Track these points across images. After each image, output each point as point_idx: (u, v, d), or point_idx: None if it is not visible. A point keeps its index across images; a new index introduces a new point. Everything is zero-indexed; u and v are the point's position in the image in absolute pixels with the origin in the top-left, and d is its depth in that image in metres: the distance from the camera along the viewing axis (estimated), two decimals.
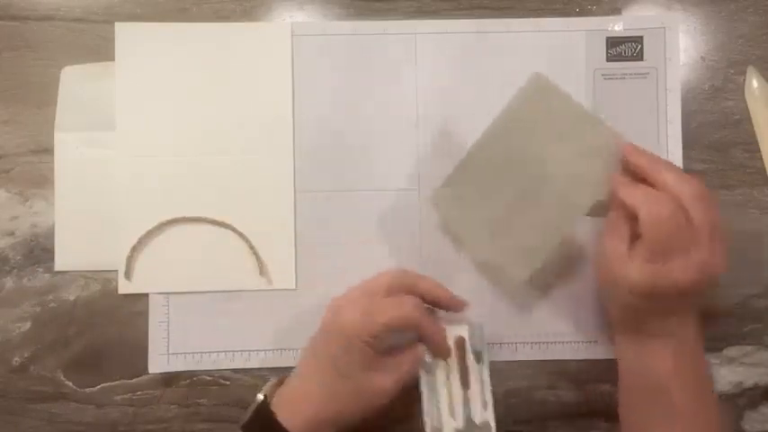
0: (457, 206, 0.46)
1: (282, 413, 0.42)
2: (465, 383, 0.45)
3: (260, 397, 0.44)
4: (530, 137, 0.43)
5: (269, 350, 0.50)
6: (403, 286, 0.44)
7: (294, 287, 0.50)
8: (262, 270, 0.50)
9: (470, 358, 0.46)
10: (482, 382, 0.46)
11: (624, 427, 0.45)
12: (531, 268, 0.45)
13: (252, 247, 0.50)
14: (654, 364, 0.42)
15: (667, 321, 0.42)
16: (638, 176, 0.42)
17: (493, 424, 0.45)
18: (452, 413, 0.45)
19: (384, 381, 0.44)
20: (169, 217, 0.50)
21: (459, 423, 0.45)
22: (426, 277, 0.46)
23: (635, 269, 0.40)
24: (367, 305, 0.43)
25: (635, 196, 0.40)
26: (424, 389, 0.45)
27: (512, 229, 0.45)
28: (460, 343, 0.46)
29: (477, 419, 0.45)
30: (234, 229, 0.50)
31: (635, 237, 0.41)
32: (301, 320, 0.50)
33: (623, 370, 0.45)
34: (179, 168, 0.50)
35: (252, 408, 0.43)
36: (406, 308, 0.43)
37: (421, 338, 0.45)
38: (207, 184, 0.50)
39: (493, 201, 0.45)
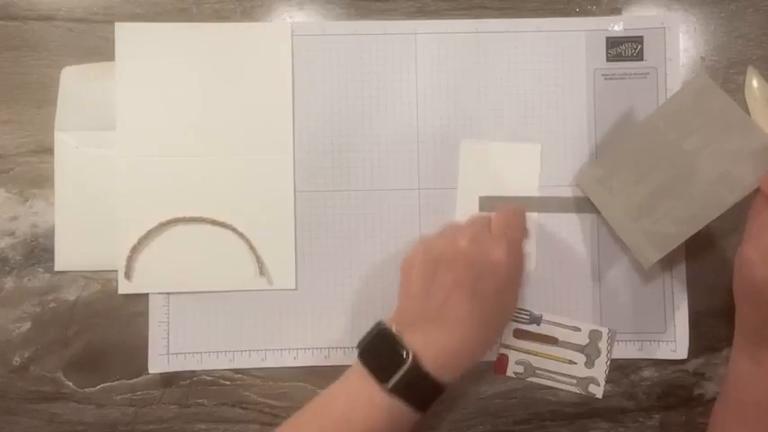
0: (601, 186, 0.49)
1: (437, 370, 0.41)
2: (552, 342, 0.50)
3: (406, 357, 0.41)
4: (686, 131, 0.46)
5: (269, 350, 0.50)
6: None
7: (294, 287, 0.50)
8: (262, 270, 0.50)
9: (535, 328, 0.50)
10: (556, 324, 0.50)
11: None
12: (662, 253, 0.47)
13: (252, 248, 0.50)
14: None
15: None
16: None
17: (594, 328, 0.50)
18: (576, 362, 0.50)
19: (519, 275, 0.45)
20: (169, 217, 0.50)
21: (584, 359, 0.50)
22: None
23: None
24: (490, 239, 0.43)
25: None
26: None
27: (653, 215, 0.47)
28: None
29: (585, 343, 0.50)
30: (234, 230, 0.50)
31: None
32: (301, 320, 0.50)
33: (735, 382, 0.44)
34: (179, 168, 0.50)
35: (403, 368, 0.40)
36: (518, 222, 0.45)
37: None
38: (207, 184, 0.50)
39: (639, 186, 0.47)
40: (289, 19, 0.51)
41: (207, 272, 0.50)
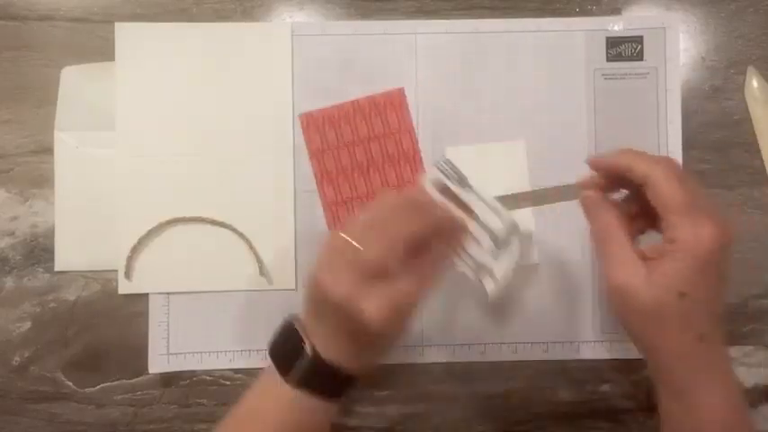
0: None
1: (341, 359, 0.39)
2: (469, 213, 0.42)
3: (306, 348, 0.39)
4: None
5: None
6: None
7: (294, 287, 0.50)
8: (262, 270, 0.50)
9: (458, 190, 0.42)
10: (480, 199, 0.42)
11: None
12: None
13: (252, 248, 0.50)
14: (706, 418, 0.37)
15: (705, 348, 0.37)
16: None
17: (514, 220, 0.42)
18: (482, 245, 0.42)
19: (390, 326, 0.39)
20: (169, 217, 0.50)
21: (492, 246, 0.42)
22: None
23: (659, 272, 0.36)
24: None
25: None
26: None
27: None
28: (441, 185, 0.43)
29: (500, 231, 0.42)
30: (234, 230, 0.50)
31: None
32: None
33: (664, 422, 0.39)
34: (179, 168, 0.50)
35: (303, 360, 0.39)
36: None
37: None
38: (207, 184, 0.50)
39: None
40: (289, 19, 0.51)
41: (207, 272, 0.50)
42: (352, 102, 0.51)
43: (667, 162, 0.37)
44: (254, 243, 0.50)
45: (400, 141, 0.51)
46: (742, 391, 0.39)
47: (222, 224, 0.50)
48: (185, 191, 0.50)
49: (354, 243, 0.38)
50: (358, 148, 0.51)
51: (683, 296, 0.35)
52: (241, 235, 0.50)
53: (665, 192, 0.36)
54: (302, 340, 0.39)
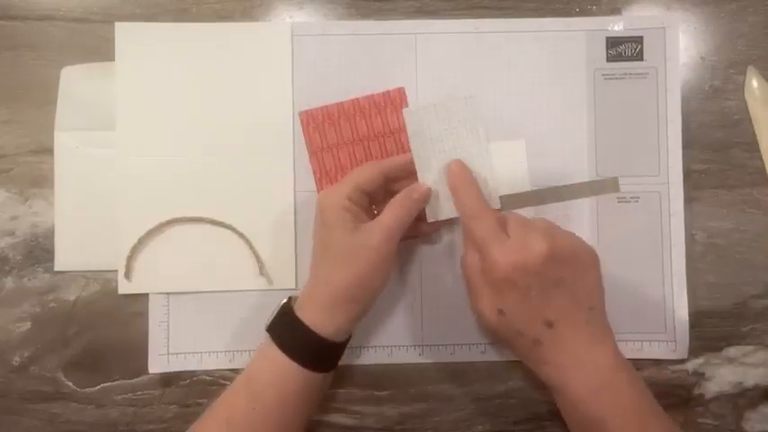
0: None
1: (303, 312, 0.43)
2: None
3: (283, 300, 0.45)
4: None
5: None
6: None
7: (294, 287, 0.50)
8: (262, 270, 0.50)
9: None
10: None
11: None
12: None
13: (252, 248, 0.50)
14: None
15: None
16: None
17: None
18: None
19: (372, 235, 0.43)
20: (169, 217, 0.50)
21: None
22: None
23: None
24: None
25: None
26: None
27: None
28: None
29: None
30: (234, 230, 0.50)
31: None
32: None
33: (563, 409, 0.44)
34: (179, 168, 0.50)
35: (275, 310, 0.45)
36: (366, 166, 0.46)
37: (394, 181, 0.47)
38: (207, 184, 0.50)
39: None
40: (289, 19, 0.51)
41: (207, 272, 0.50)
42: (353, 101, 0.51)
43: (470, 193, 0.45)
44: (254, 243, 0.50)
45: (400, 141, 0.51)
46: (613, 374, 0.42)
47: (222, 224, 0.50)
48: (185, 191, 0.50)
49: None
50: (357, 147, 0.51)
51: (502, 312, 0.42)
52: (241, 235, 0.50)
53: (471, 233, 0.44)
54: (293, 311, 0.43)
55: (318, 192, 0.51)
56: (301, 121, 0.51)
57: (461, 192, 0.45)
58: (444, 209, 0.47)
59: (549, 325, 0.42)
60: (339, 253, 0.43)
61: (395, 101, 0.51)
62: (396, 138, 0.51)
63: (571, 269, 0.42)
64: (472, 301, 0.45)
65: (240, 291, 0.50)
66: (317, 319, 0.43)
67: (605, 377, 0.42)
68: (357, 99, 0.51)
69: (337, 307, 0.43)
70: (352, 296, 0.43)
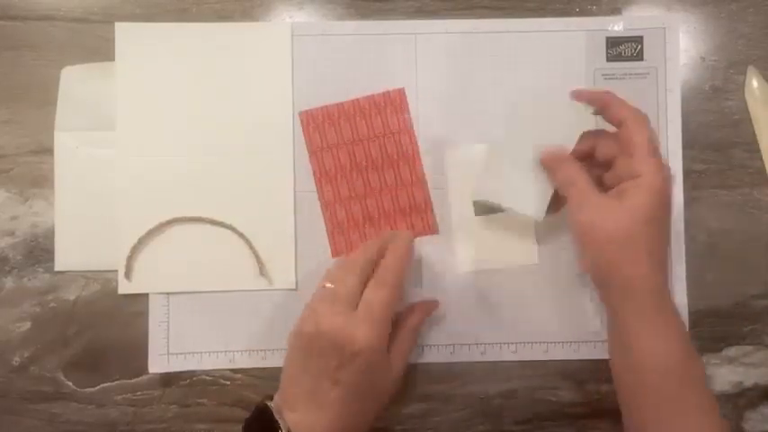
0: None
1: None
2: None
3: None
4: None
5: (269, 350, 0.50)
6: (367, 270, 0.44)
7: (294, 287, 0.50)
8: (262, 270, 0.50)
9: None
10: None
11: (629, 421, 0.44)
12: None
13: (252, 248, 0.50)
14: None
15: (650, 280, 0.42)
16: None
17: None
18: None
19: (397, 369, 0.45)
20: (169, 217, 0.50)
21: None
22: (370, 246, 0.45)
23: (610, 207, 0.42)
24: (355, 316, 0.42)
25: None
26: None
27: None
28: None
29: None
30: (234, 230, 0.50)
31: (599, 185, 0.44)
32: None
33: (618, 353, 0.44)
34: (179, 168, 0.50)
35: None
36: (394, 292, 0.43)
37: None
38: (207, 184, 0.50)
39: None
40: (289, 19, 0.51)
41: (207, 272, 0.50)
42: (353, 101, 0.51)
43: (639, 111, 0.44)
44: (254, 243, 0.50)
45: (399, 142, 0.51)
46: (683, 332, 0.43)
47: (222, 224, 0.50)
48: (185, 191, 0.50)
49: (328, 284, 0.43)
50: (357, 148, 0.51)
51: (648, 223, 0.41)
52: (241, 235, 0.50)
53: (638, 134, 0.42)
54: (277, 427, 0.41)
55: (319, 192, 0.51)
56: (301, 120, 0.51)
57: (554, 162, 0.45)
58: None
59: (665, 262, 0.43)
60: (375, 394, 0.44)
61: (395, 101, 0.51)
62: (395, 138, 0.51)
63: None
64: (590, 210, 0.43)
65: (240, 291, 0.50)
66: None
67: (686, 349, 0.42)
68: (357, 99, 0.51)
69: None
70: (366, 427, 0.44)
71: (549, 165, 0.45)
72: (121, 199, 0.50)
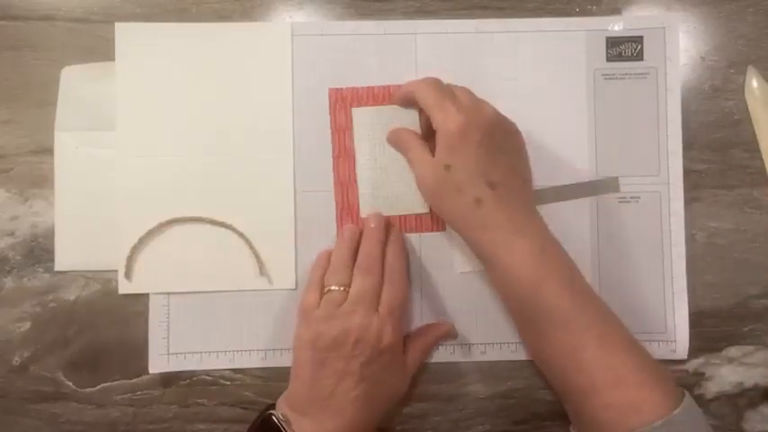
0: None
1: None
2: None
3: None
4: None
5: (269, 350, 0.50)
6: (349, 264, 0.46)
7: (294, 287, 0.50)
8: (262, 270, 0.50)
9: None
10: None
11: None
12: None
13: (252, 247, 0.50)
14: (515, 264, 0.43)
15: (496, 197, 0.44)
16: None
17: None
18: None
19: (411, 368, 0.48)
20: (169, 217, 0.50)
21: None
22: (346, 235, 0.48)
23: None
24: (369, 311, 0.44)
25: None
26: None
27: None
28: None
29: None
30: (234, 229, 0.50)
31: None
32: None
33: (498, 289, 0.47)
34: (179, 168, 0.50)
35: None
36: (402, 288, 0.46)
37: None
38: (207, 184, 0.50)
39: None
40: (289, 19, 0.51)
41: (207, 272, 0.50)
42: (383, 87, 0.51)
43: (427, 79, 0.47)
44: (254, 243, 0.50)
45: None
46: (545, 236, 0.45)
47: (222, 224, 0.50)
48: (185, 191, 0.50)
49: (334, 287, 0.45)
50: None
51: (448, 167, 0.43)
52: (241, 235, 0.50)
53: (423, 97, 0.45)
54: None
55: (334, 170, 0.51)
56: (330, 97, 0.51)
57: (395, 135, 0.49)
58: (380, 203, 0.50)
59: (492, 186, 0.43)
60: (390, 392, 0.46)
61: None
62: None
63: (513, 139, 0.47)
64: (418, 169, 0.46)
65: (240, 291, 0.50)
66: None
67: (546, 240, 0.44)
68: (388, 86, 0.51)
69: None
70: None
71: (392, 141, 0.50)
72: (121, 199, 0.50)
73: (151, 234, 0.50)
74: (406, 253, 0.49)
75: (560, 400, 0.46)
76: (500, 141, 0.44)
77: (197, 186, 0.50)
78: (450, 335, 0.50)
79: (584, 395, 0.41)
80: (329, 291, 0.45)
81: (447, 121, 0.43)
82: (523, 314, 0.45)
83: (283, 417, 0.43)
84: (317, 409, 0.43)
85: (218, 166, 0.50)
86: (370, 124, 0.50)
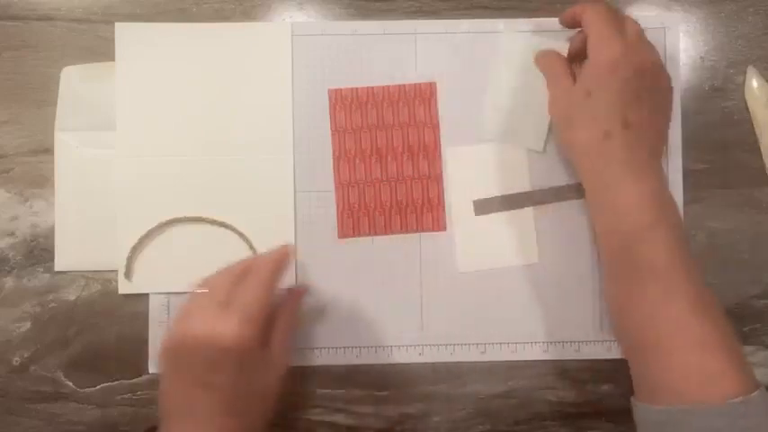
0: None
1: None
2: None
3: None
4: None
5: None
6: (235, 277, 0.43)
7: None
8: None
9: None
10: None
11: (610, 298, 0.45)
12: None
13: (252, 247, 0.50)
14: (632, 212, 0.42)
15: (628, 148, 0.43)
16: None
17: None
18: None
19: (278, 366, 0.44)
20: (169, 217, 0.50)
21: None
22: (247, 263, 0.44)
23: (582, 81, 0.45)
24: (225, 314, 0.40)
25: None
26: None
27: None
28: None
29: None
30: (234, 229, 0.50)
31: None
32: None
33: (599, 234, 0.45)
34: (179, 168, 0.50)
35: None
36: (257, 291, 0.42)
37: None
38: (207, 184, 0.50)
39: None
40: (289, 19, 0.51)
41: (207, 272, 0.50)
42: (383, 87, 0.51)
43: (600, 4, 0.45)
44: (254, 243, 0.50)
45: (423, 135, 0.51)
46: (664, 187, 0.44)
47: (222, 224, 0.50)
48: (185, 191, 0.50)
49: (199, 290, 0.42)
50: (380, 134, 0.51)
51: (589, 94, 0.44)
52: (241, 234, 0.50)
53: (591, 21, 0.44)
54: None
55: (335, 172, 0.51)
56: (329, 97, 0.51)
57: (544, 55, 0.50)
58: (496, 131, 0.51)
59: (626, 125, 0.43)
60: (257, 395, 0.43)
61: (424, 94, 0.51)
62: (419, 130, 0.51)
63: (662, 91, 0.46)
64: (555, 89, 0.47)
65: None
66: None
67: (664, 189, 0.44)
68: (388, 87, 0.51)
69: None
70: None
71: (539, 62, 0.50)
72: (121, 199, 0.50)
73: (151, 234, 0.50)
74: (281, 258, 0.44)
75: (627, 360, 0.44)
76: (649, 86, 0.44)
77: (197, 186, 0.50)
78: (298, 298, 0.48)
79: (660, 352, 0.40)
80: (193, 293, 0.43)
81: (603, 49, 0.43)
82: (621, 259, 0.43)
83: None
84: (179, 423, 0.41)
85: (218, 166, 0.50)
86: (518, 51, 0.51)
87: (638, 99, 0.43)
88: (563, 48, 0.50)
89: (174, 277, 0.50)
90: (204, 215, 0.50)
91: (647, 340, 0.41)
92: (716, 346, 0.39)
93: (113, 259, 0.50)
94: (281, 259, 0.44)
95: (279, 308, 0.46)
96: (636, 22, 0.45)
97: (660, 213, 0.42)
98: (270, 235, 0.50)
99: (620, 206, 0.42)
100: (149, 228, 0.50)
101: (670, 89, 0.47)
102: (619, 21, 0.45)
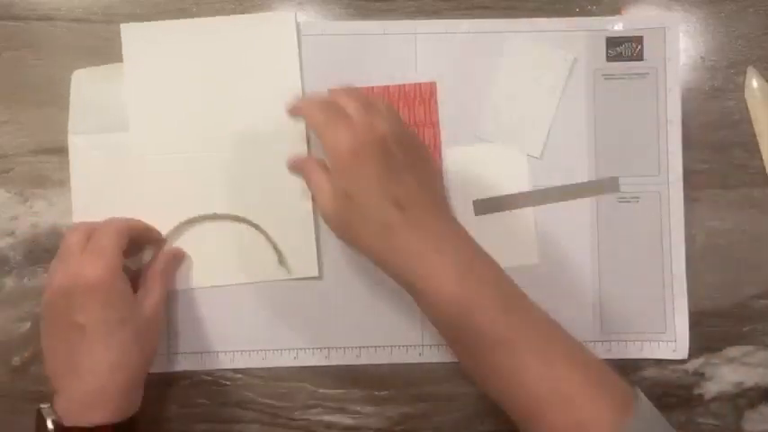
0: None
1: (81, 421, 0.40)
2: None
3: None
4: None
5: (269, 350, 0.50)
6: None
7: (317, 275, 0.50)
8: (281, 260, 0.49)
9: None
10: None
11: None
12: None
13: (269, 239, 0.49)
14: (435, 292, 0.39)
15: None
16: None
17: None
18: None
19: (148, 309, 0.45)
20: (186, 216, 0.49)
21: None
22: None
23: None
24: (77, 261, 0.42)
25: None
26: None
27: None
28: None
29: None
30: (250, 223, 0.49)
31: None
32: (301, 320, 0.50)
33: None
34: (194, 165, 0.50)
35: None
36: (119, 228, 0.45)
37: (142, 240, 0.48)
38: (222, 179, 0.50)
39: None
40: None
41: (225, 267, 0.50)
42: (383, 87, 0.51)
43: (313, 98, 0.46)
44: (272, 235, 0.49)
45: (423, 135, 0.51)
46: (475, 256, 0.41)
47: (238, 218, 0.49)
48: (201, 187, 0.50)
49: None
50: None
51: (348, 195, 0.40)
52: (257, 227, 0.49)
53: (309, 118, 0.43)
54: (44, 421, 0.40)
55: None
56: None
57: (296, 162, 0.47)
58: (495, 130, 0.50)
59: (400, 207, 0.40)
60: (130, 333, 0.43)
61: (424, 94, 0.51)
62: (419, 130, 0.51)
63: (417, 152, 0.43)
64: (318, 200, 0.43)
65: (240, 291, 0.50)
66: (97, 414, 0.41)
67: (472, 257, 0.40)
68: (387, 86, 0.51)
69: (135, 389, 0.44)
70: (143, 377, 0.44)
71: (294, 168, 0.47)
72: (137, 199, 0.49)
73: (170, 237, 0.49)
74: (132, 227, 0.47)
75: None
76: (401, 157, 0.41)
77: (212, 181, 0.50)
78: (175, 257, 0.49)
79: (531, 419, 0.38)
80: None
81: (336, 142, 0.40)
82: (458, 340, 0.40)
83: (50, 405, 0.41)
84: (64, 380, 0.42)
85: (232, 161, 0.50)
86: (518, 52, 0.51)
87: (398, 175, 0.40)
88: (563, 48, 0.50)
89: (184, 275, 0.50)
90: (220, 211, 0.50)
91: (516, 410, 0.39)
92: (579, 394, 0.37)
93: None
94: (137, 224, 0.47)
95: (150, 262, 0.48)
96: (359, 99, 0.42)
97: (477, 284, 0.39)
98: (288, 225, 0.49)
99: (433, 292, 0.39)
100: (165, 232, 0.49)
101: (422, 147, 0.45)
102: (338, 106, 0.42)
